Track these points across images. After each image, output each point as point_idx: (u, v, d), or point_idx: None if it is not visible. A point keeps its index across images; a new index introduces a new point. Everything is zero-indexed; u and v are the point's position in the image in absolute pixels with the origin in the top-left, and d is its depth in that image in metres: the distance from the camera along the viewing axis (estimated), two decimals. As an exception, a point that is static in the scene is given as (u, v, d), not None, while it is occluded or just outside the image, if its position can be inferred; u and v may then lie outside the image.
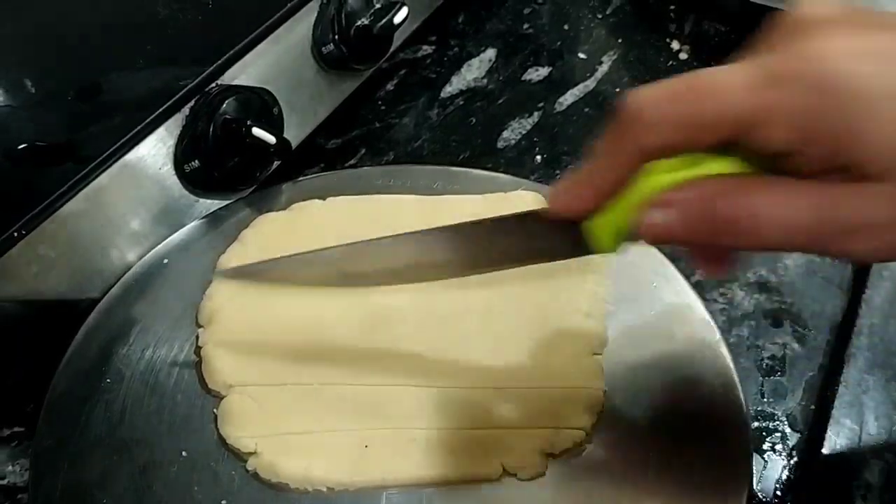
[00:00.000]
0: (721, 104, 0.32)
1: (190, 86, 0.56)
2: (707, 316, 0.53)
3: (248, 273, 0.51)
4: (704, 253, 0.40)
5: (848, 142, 0.30)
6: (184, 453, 0.47)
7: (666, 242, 0.35)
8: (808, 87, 0.31)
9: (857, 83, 0.30)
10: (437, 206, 0.60)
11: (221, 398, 0.49)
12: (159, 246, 0.58)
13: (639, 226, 0.35)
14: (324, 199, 0.61)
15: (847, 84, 0.30)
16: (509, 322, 0.53)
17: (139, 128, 0.53)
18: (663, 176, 0.35)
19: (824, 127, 0.31)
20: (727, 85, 0.32)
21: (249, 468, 0.46)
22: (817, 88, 0.30)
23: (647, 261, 0.56)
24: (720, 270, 0.40)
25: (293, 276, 0.48)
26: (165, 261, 0.57)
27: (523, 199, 0.60)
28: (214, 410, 0.48)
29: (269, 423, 0.47)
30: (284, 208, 0.60)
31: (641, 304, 0.54)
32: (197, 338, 0.52)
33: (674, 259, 0.57)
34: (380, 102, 0.79)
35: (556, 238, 0.39)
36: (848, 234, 0.32)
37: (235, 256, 0.56)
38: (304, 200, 0.61)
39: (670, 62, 0.81)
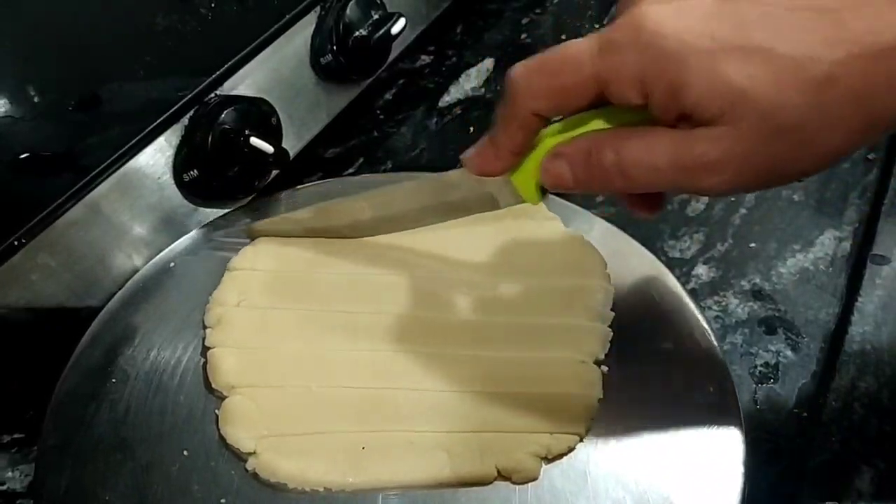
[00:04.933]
0: (574, 72, 0.38)
1: (189, 96, 0.57)
2: (703, 323, 0.53)
3: (279, 225, 0.59)
4: (628, 196, 0.46)
5: (675, 93, 0.36)
6: (185, 452, 0.47)
7: (564, 189, 0.42)
8: (636, 49, 0.36)
9: (670, 43, 0.35)
10: None
11: (223, 398, 0.50)
12: (165, 250, 0.59)
13: (542, 176, 0.43)
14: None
15: (663, 44, 0.35)
16: (508, 327, 0.53)
17: (138, 138, 0.54)
18: (562, 134, 0.42)
19: (655, 82, 0.36)
20: (576, 55, 0.38)
21: (249, 468, 0.46)
22: (642, 49, 0.36)
23: (646, 269, 0.57)
24: (650, 207, 0.46)
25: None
26: (172, 264, 0.58)
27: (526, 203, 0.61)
28: (216, 411, 0.49)
29: (268, 423, 0.48)
30: (284, 214, 0.61)
31: (638, 311, 0.54)
32: (203, 339, 0.53)
33: (671, 266, 0.57)
34: (378, 112, 0.80)
35: (490, 190, 0.47)
36: (700, 171, 0.37)
37: (247, 258, 0.57)
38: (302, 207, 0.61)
39: (666, 72, 0.81)
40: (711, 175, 0.37)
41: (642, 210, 0.46)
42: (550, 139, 0.42)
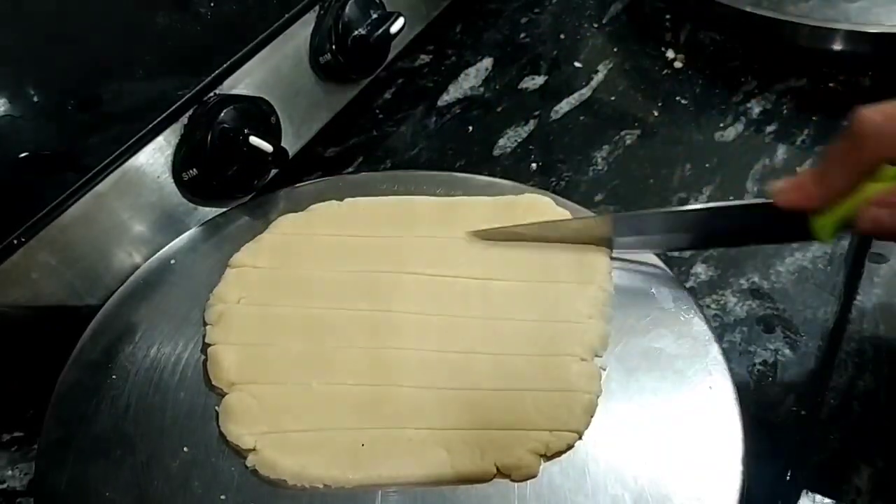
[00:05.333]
0: None
1: (188, 95, 0.57)
2: (702, 321, 0.54)
3: (504, 234, 0.58)
4: None
5: None
6: (185, 449, 0.48)
7: (882, 234, 0.44)
8: None
9: None
10: (451, 208, 0.61)
11: (224, 395, 0.50)
12: (166, 248, 0.59)
13: (859, 220, 0.43)
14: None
15: None
16: (509, 325, 0.53)
17: (138, 137, 0.54)
18: (885, 182, 0.42)
19: None
20: None
21: (249, 464, 0.47)
22: None
23: (646, 267, 0.57)
24: None
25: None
26: (173, 261, 0.58)
27: (531, 201, 0.61)
28: (216, 407, 0.49)
29: (269, 420, 0.48)
30: (284, 213, 0.61)
31: (639, 309, 0.55)
32: (203, 336, 0.53)
33: (670, 265, 0.57)
34: (377, 111, 0.80)
35: (781, 224, 0.48)
36: None
37: (249, 255, 0.57)
38: (300, 208, 0.61)
39: (665, 71, 0.81)
40: None
41: None
42: (873, 185, 0.42)
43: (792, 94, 0.77)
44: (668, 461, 0.47)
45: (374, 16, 0.67)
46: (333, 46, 0.66)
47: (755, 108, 0.76)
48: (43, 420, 0.49)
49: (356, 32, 0.66)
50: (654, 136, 0.75)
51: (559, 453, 0.47)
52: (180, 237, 0.59)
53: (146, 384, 0.51)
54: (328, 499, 0.46)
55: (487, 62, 0.84)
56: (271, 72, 0.63)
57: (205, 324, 0.54)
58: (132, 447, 0.48)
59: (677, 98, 0.78)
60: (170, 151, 0.57)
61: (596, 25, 0.88)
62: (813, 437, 0.52)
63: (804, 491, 0.49)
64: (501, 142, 0.76)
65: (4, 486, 0.53)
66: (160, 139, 0.56)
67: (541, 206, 0.60)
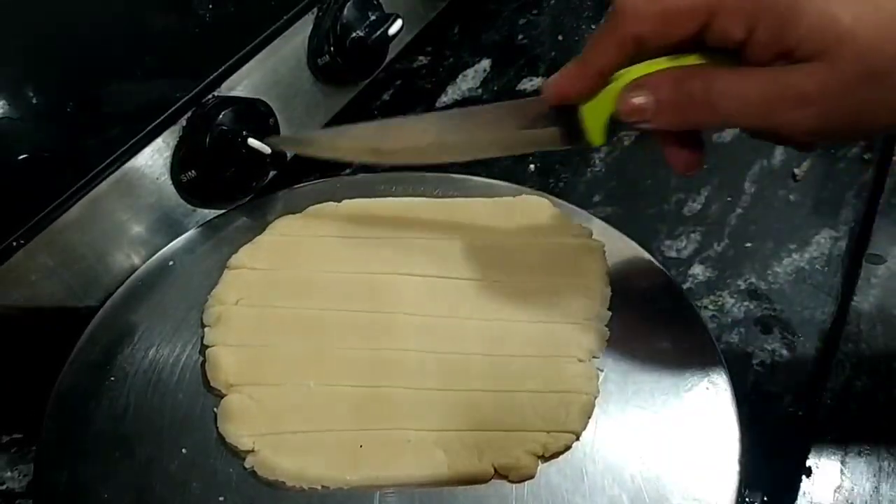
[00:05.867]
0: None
1: (187, 97, 0.57)
2: (700, 322, 0.54)
3: (290, 142, 0.61)
4: (675, 144, 0.46)
5: (784, 26, 0.38)
6: (184, 450, 0.48)
7: (642, 121, 0.43)
8: None
9: None
10: (448, 209, 0.61)
11: (222, 397, 0.50)
12: (164, 249, 0.59)
13: (619, 107, 0.43)
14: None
15: None
16: (507, 327, 0.53)
17: (136, 139, 0.54)
18: (641, 68, 0.43)
19: (766, 14, 0.38)
20: None
21: (247, 466, 0.47)
22: None
23: (643, 268, 0.57)
24: (689, 164, 0.47)
25: (330, 147, 0.59)
26: (171, 263, 0.58)
27: (529, 202, 0.61)
28: (215, 409, 0.49)
29: (267, 422, 0.48)
30: (282, 215, 0.61)
31: (635, 310, 0.55)
32: (202, 337, 0.53)
33: (668, 266, 0.57)
34: (375, 113, 0.80)
35: (555, 126, 0.47)
36: (789, 103, 0.39)
37: (248, 256, 0.57)
38: (299, 209, 0.62)
39: (663, 72, 0.81)
40: (800, 108, 0.38)
41: (680, 162, 0.47)
42: (631, 72, 0.43)
43: (789, 95, 0.77)
44: (665, 462, 0.47)
45: (373, 17, 0.68)
46: (332, 48, 0.66)
47: (753, 110, 0.76)
48: (42, 421, 0.49)
49: (354, 34, 0.66)
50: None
51: (557, 454, 0.47)
52: (179, 239, 0.59)
53: (145, 385, 0.51)
54: (326, 500, 0.46)
55: (486, 63, 0.84)
56: (270, 73, 0.63)
57: (203, 325, 0.54)
58: (131, 448, 0.48)
59: (675, 99, 0.78)
60: (168, 153, 0.57)
61: (594, 26, 0.88)
62: (810, 437, 0.52)
63: (801, 491, 0.50)
64: (499, 143, 0.76)
65: (3, 487, 0.53)
66: (159, 141, 0.56)
67: (538, 207, 0.61)
